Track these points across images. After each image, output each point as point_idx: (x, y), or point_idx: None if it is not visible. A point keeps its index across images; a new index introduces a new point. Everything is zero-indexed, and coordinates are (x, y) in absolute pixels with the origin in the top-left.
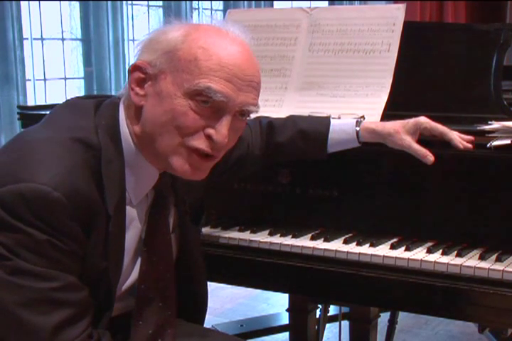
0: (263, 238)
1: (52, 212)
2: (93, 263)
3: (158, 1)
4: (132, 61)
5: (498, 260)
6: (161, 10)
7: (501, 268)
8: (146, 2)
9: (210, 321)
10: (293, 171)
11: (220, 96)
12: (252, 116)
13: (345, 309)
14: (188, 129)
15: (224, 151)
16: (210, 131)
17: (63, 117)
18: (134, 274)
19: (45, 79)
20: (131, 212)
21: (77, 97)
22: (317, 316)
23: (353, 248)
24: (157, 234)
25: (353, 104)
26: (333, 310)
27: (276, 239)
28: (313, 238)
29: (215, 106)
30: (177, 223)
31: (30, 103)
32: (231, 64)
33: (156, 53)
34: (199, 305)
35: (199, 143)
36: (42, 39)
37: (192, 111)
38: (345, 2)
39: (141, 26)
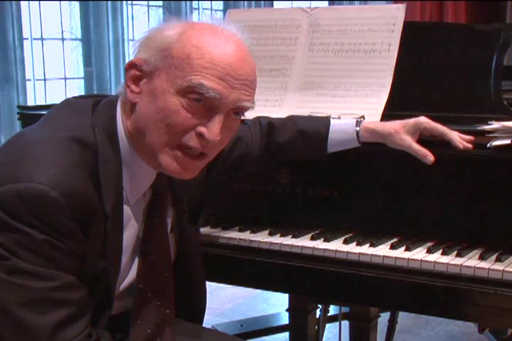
0: (263, 238)
1: (50, 212)
2: (91, 263)
3: (158, 1)
4: None
5: (498, 260)
6: (161, 10)
7: (501, 268)
8: (146, 2)
9: (210, 321)
10: (293, 171)
11: (212, 93)
12: (247, 114)
13: (345, 309)
14: (178, 127)
15: (217, 151)
16: (202, 129)
17: (61, 117)
18: (132, 273)
19: (45, 79)
20: (128, 211)
21: (75, 97)
22: (317, 316)
23: (353, 248)
24: (155, 233)
25: (353, 104)
26: (333, 310)
27: (276, 239)
28: (313, 238)
29: (207, 104)
30: (176, 223)
31: (30, 103)
32: (224, 63)
33: (152, 51)
34: (198, 305)
35: (190, 140)
36: (42, 39)
37: (184, 110)
38: (345, 2)
39: (141, 26)
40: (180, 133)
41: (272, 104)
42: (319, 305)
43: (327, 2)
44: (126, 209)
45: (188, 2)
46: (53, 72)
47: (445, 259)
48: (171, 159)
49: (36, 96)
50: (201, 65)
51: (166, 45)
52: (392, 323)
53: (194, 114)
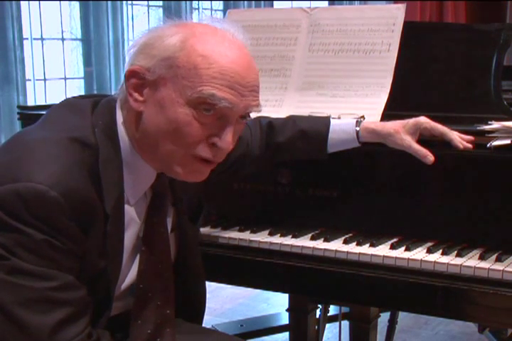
0: (263, 238)
1: (49, 212)
2: (92, 262)
3: (158, 1)
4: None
5: (498, 260)
6: (161, 10)
7: (501, 268)
8: (146, 2)
9: (210, 321)
10: (293, 171)
11: (224, 103)
12: (252, 115)
13: (345, 309)
14: (193, 138)
15: (226, 154)
16: (215, 139)
17: (60, 117)
18: (133, 273)
19: (45, 79)
20: (129, 211)
21: (74, 97)
22: (317, 316)
23: (353, 248)
24: (155, 232)
25: (353, 104)
26: (333, 310)
27: (276, 239)
28: (313, 238)
29: (217, 114)
30: (176, 223)
31: (30, 103)
32: (232, 72)
33: (154, 59)
34: (197, 305)
35: (203, 151)
36: (42, 39)
37: (196, 121)
38: (345, 2)
39: (141, 26)
40: (193, 144)
41: (272, 104)
42: (319, 305)
43: (327, 2)
44: (127, 209)
45: (188, 2)
46: (53, 72)
47: (445, 259)
48: (187, 168)
49: (36, 96)
50: (210, 75)
51: (169, 54)
52: (392, 323)
53: (205, 124)
